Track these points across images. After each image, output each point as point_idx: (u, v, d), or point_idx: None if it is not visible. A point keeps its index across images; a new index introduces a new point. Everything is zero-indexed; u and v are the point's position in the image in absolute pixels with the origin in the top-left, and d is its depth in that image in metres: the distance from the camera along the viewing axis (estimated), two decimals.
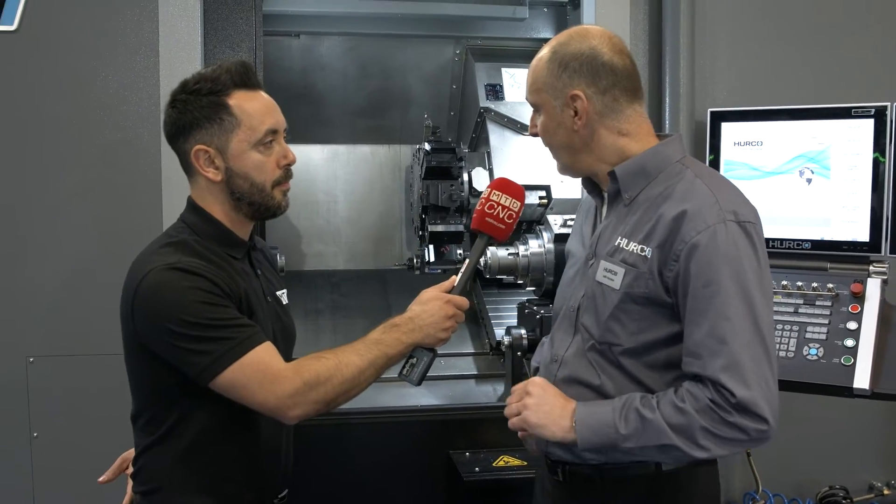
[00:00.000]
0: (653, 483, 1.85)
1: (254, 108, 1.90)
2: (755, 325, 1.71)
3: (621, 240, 1.85)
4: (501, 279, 4.05)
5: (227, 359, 1.75)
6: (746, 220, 1.77)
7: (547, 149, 1.99)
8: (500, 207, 1.99)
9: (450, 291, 1.98)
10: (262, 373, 1.77)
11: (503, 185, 2.02)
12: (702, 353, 1.72)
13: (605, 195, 1.96)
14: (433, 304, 1.94)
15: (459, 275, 2.00)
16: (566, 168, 1.98)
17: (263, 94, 1.95)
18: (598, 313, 1.87)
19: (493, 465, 3.02)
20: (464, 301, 1.98)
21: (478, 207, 2.02)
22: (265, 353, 1.79)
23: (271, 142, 1.92)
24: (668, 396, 1.75)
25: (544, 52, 1.91)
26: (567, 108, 1.86)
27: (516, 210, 2.01)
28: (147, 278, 1.78)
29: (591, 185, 2.02)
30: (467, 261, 2.01)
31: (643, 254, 1.80)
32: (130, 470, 2.05)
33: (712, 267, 1.72)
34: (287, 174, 1.97)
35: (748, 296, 1.72)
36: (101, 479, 2.15)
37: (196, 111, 1.87)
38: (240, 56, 2.96)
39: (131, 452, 2.09)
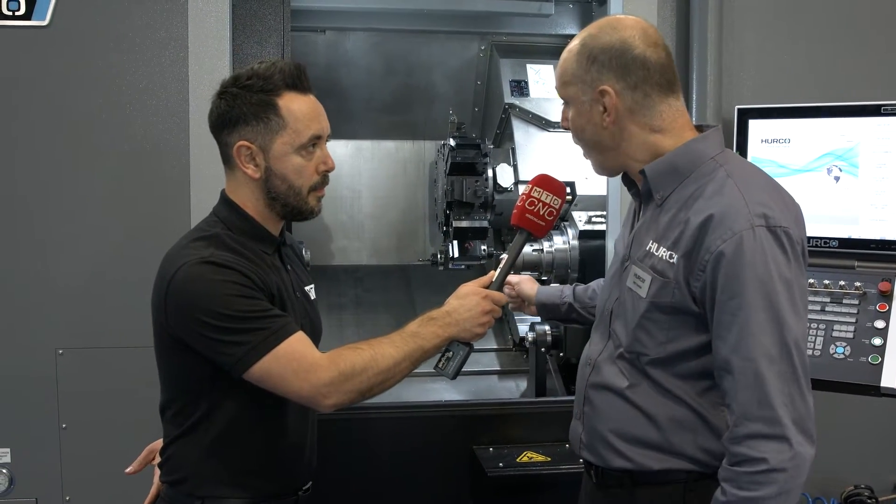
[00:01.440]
0: (684, 489, 1.80)
1: (302, 111, 1.90)
2: (781, 339, 1.62)
3: (652, 244, 1.79)
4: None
5: (261, 349, 1.76)
6: (777, 224, 1.67)
7: (575, 145, 1.94)
8: (540, 204, 1.98)
9: (488, 287, 1.97)
10: (297, 362, 1.78)
11: (545, 182, 2.00)
12: (727, 372, 1.66)
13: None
14: (471, 299, 1.93)
15: (498, 270, 2.00)
16: (598, 166, 1.92)
17: (313, 99, 1.95)
18: (628, 321, 1.83)
19: (517, 460, 3.01)
20: (501, 297, 1.98)
21: (518, 203, 2.00)
22: (299, 343, 1.80)
23: (314, 146, 1.93)
24: (715, 499, 1.68)
25: (574, 43, 1.84)
26: (596, 104, 1.79)
27: (557, 207, 2.00)
28: (180, 271, 1.79)
29: (629, 181, 1.95)
30: (506, 256, 2.01)
31: (671, 261, 1.74)
32: (157, 460, 2.07)
33: (738, 279, 1.63)
34: (324, 180, 1.98)
35: (775, 309, 1.63)
36: (128, 469, 2.16)
37: (245, 107, 1.88)
38: (267, 51, 2.98)
39: (158, 443, 2.12)
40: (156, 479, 2.07)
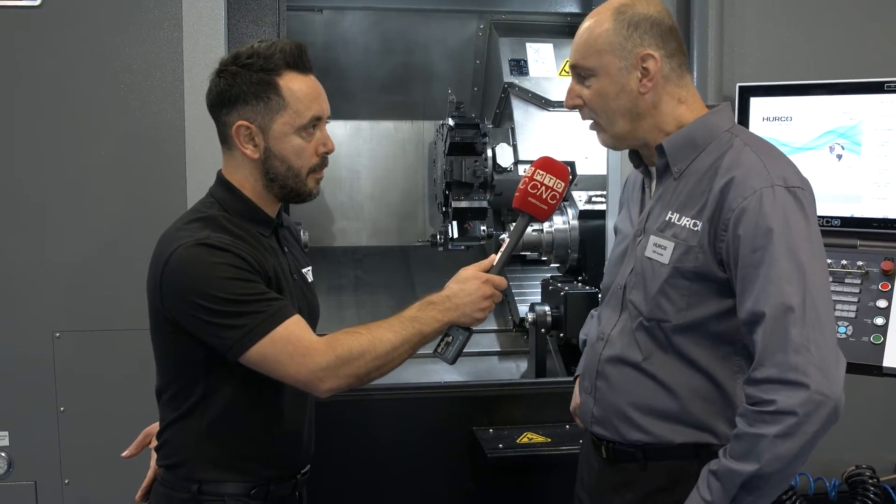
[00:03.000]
0: (696, 462, 1.80)
1: (302, 91, 1.87)
2: (804, 287, 1.63)
3: (672, 214, 1.82)
4: (525, 256, 4.06)
5: (257, 332, 1.74)
6: (796, 185, 1.71)
7: (587, 120, 1.93)
8: (543, 188, 1.94)
9: (488, 271, 1.94)
10: (293, 346, 1.76)
11: (547, 165, 1.97)
12: (751, 324, 1.66)
13: (653, 170, 1.92)
14: (471, 284, 1.90)
15: (499, 254, 1.97)
16: (618, 138, 1.90)
17: (314, 79, 1.92)
18: (647, 289, 1.84)
19: (517, 441, 3.01)
20: (502, 281, 1.94)
21: (521, 186, 1.97)
22: (296, 327, 1.78)
23: (314, 128, 1.90)
24: (732, 434, 1.69)
25: (604, 15, 1.84)
26: (634, 70, 1.81)
27: (560, 191, 1.96)
28: (176, 253, 1.77)
29: (637, 159, 1.97)
30: (507, 240, 1.98)
31: (695, 228, 1.76)
32: (154, 444, 2.06)
33: (759, 232, 1.66)
34: (324, 162, 1.95)
35: (797, 259, 1.64)
36: (124, 453, 2.15)
37: (244, 85, 1.85)
38: (263, 31, 2.95)
39: (154, 427, 2.10)
40: (152, 463, 2.05)
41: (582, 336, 2.34)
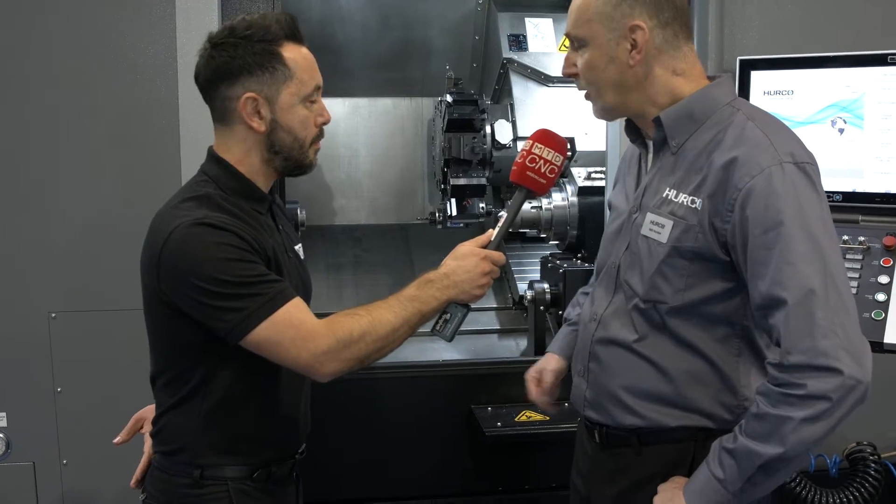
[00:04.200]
0: (695, 448, 1.77)
1: (303, 61, 1.85)
2: (825, 269, 1.57)
3: (669, 191, 1.76)
4: (524, 233, 4.03)
5: (258, 315, 1.71)
6: (805, 161, 1.65)
7: (583, 91, 1.88)
8: (542, 161, 1.90)
9: (485, 246, 1.91)
10: (294, 329, 1.73)
11: (546, 138, 1.92)
12: (770, 308, 1.60)
13: (650, 144, 1.87)
14: (469, 260, 1.87)
15: (496, 229, 1.93)
16: (608, 110, 1.86)
17: (308, 50, 1.90)
18: (643, 269, 1.79)
19: (516, 419, 3.01)
20: (500, 257, 1.91)
21: (518, 160, 1.93)
22: (297, 310, 1.75)
23: (314, 98, 1.89)
24: (748, 412, 1.64)
25: None
26: (623, 41, 1.75)
27: (559, 164, 1.92)
28: (174, 234, 1.72)
29: (634, 132, 1.92)
30: (504, 215, 1.94)
31: (693, 206, 1.71)
32: (146, 429, 2.03)
33: (770, 211, 1.59)
34: (321, 133, 1.93)
35: (813, 237, 1.58)
36: (116, 440, 2.12)
37: (248, 57, 1.80)
38: (257, 6, 2.91)
39: (145, 411, 2.09)
40: (146, 448, 2.02)
41: (565, 314, 2.31)
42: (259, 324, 1.71)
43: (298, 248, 2.07)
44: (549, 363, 2.18)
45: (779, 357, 1.58)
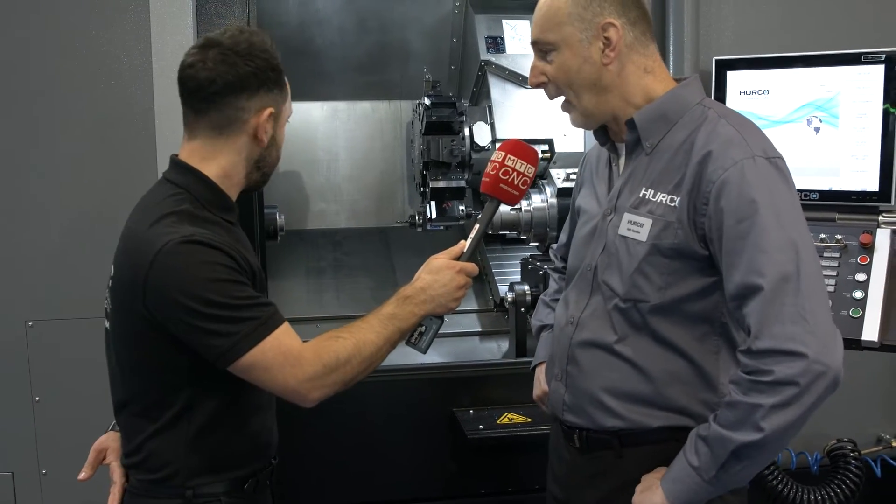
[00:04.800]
0: (673, 449, 1.76)
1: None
2: (796, 256, 1.59)
3: (646, 191, 1.78)
4: (504, 235, 4.03)
5: (250, 340, 1.69)
6: (775, 156, 1.69)
7: (558, 99, 1.88)
8: (514, 173, 1.91)
9: (459, 258, 1.93)
10: (283, 355, 1.72)
11: (517, 149, 1.93)
12: (741, 297, 1.61)
13: (622, 146, 1.88)
14: (445, 274, 1.89)
15: (469, 241, 1.94)
16: (586, 115, 1.86)
17: None
18: (623, 269, 1.79)
19: (498, 422, 3.01)
20: (474, 268, 1.93)
21: (490, 171, 1.93)
22: (286, 336, 1.74)
23: None
24: (722, 401, 1.66)
25: None
26: (596, 41, 1.77)
27: (530, 175, 1.93)
28: (162, 252, 1.68)
29: (603, 136, 1.93)
30: (476, 226, 1.94)
31: (672, 204, 1.72)
32: (110, 459, 1.97)
33: (743, 201, 1.62)
34: None
35: (785, 226, 1.61)
36: (80, 476, 2.01)
37: (268, 72, 1.83)
38: (232, 11, 2.89)
39: (104, 440, 2.02)
40: (117, 479, 1.94)
41: (535, 322, 2.30)
42: (250, 349, 1.70)
43: None
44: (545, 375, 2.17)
45: (748, 343, 1.60)
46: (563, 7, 1.78)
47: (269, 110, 1.83)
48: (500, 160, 1.92)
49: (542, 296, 2.35)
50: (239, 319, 1.69)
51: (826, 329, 1.58)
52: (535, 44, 1.86)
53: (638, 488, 1.76)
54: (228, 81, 1.79)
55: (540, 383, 2.19)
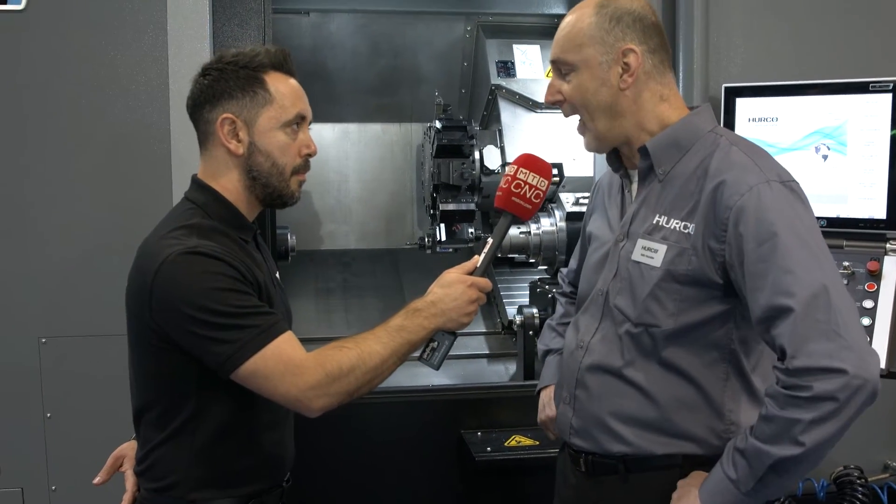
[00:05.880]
0: (678, 474, 1.77)
1: (287, 89, 1.88)
2: (822, 273, 1.58)
3: (660, 217, 1.78)
4: (513, 258, 4.06)
5: (250, 348, 1.70)
6: (790, 180, 1.69)
7: (568, 122, 1.90)
8: (527, 186, 1.89)
9: (472, 273, 1.90)
10: (284, 364, 1.72)
11: (530, 163, 1.92)
12: (771, 318, 1.60)
13: (634, 172, 1.88)
14: (456, 288, 1.86)
15: (482, 256, 1.92)
16: (599, 138, 1.86)
17: (297, 82, 1.92)
18: (636, 294, 1.79)
19: (505, 444, 3.01)
20: (487, 283, 1.90)
21: (503, 185, 1.92)
22: (287, 344, 1.74)
23: (298, 126, 1.90)
24: (760, 414, 1.63)
25: (586, 9, 1.82)
26: (615, 65, 1.78)
27: (543, 189, 1.91)
28: (166, 262, 1.71)
29: (616, 162, 1.94)
30: (490, 241, 1.93)
31: (686, 230, 1.73)
32: (126, 467, 1.99)
33: (763, 224, 1.62)
34: (307, 164, 1.94)
35: (809, 247, 1.61)
36: (95, 480, 2.05)
37: (231, 81, 1.84)
38: (248, 34, 2.94)
39: (124, 448, 2.05)
40: (129, 486, 1.96)
41: (541, 346, 2.30)
42: (250, 357, 1.70)
43: (277, 275, 2.08)
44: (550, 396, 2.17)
45: (784, 363, 1.58)
46: (586, 30, 1.80)
47: (223, 116, 1.84)
48: (512, 173, 1.91)
49: (548, 320, 2.35)
50: (239, 327, 1.70)
51: (861, 342, 1.57)
52: (554, 62, 1.87)
53: (675, 495, 1.75)
54: (194, 97, 1.88)
55: (544, 407, 2.19)
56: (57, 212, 2.85)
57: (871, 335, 2.47)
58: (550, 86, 1.89)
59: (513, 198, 1.91)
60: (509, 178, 1.92)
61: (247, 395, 1.78)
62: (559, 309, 2.34)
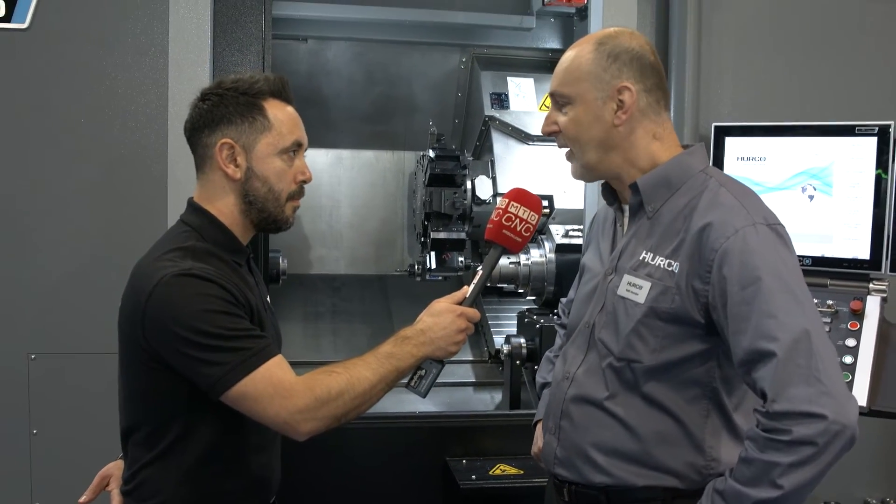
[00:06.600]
0: None
1: (286, 117, 1.91)
2: (804, 319, 1.60)
3: (646, 254, 1.80)
4: (502, 288, 4.08)
5: (241, 371, 1.71)
6: (776, 223, 1.72)
7: (560, 154, 1.93)
8: (517, 220, 1.93)
9: (461, 303, 1.93)
10: (274, 387, 1.73)
11: (521, 197, 1.95)
12: (752, 362, 1.62)
13: (626, 207, 1.91)
14: (445, 317, 1.88)
15: (472, 286, 1.95)
16: (588, 169, 1.89)
17: (294, 110, 1.95)
18: (619, 328, 1.81)
19: (490, 473, 3.01)
20: (476, 313, 1.93)
21: (494, 218, 1.95)
22: (277, 367, 1.75)
23: (294, 154, 1.92)
24: (739, 456, 1.65)
25: (586, 45, 1.85)
26: (610, 102, 1.81)
27: (534, 223, 1.95)
28: (160, 284, 1.72)
29: (610, 194, 1.96)
30: (479, 272, 1.95)
31: (670, 269, 1.75)
32: (112, 486, 2.00)
33: (748, 267, 1.64)
34: (301, 191, 1.96)
35: (793, 292, 1.62)
36: (81, 499, 2.04)
37: (231, 106, 1.86)
38: (248, 60, 2.98)
39: (110, 468, 2.05)
40: None
41: (539, 379, 2.31)
42: (241, 379, 1.71)
43: (268, 299, 2.09)
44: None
45: (765, 406, 1.60)
46: (584, 65, 1.84)
47: (222, 141, 1.86)
48: (503, 207, 1.95)
49: (547, 352, 2.36)
50: (230, 349, 1.72)
51: (840, 388, 1.59)
52: (552, 95, 1.91)
53: None
54: (193, 121, 1.90)
55: (537, 440, 2.20)
56: (51, 228, 2.87)
57: (853, 373, 2.50)
58: (547, 117, 1.92)
59: (503, 230, 1.94)
60: (501, 210, 1.95)
61: (235, 417, 1.79)
62: (557, 341, 2.35)
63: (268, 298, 2.09)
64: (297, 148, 1.93)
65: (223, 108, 1.87)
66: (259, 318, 1.87)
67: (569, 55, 1.88)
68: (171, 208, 2.81)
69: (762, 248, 1.66)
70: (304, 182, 1.96)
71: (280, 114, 1.90)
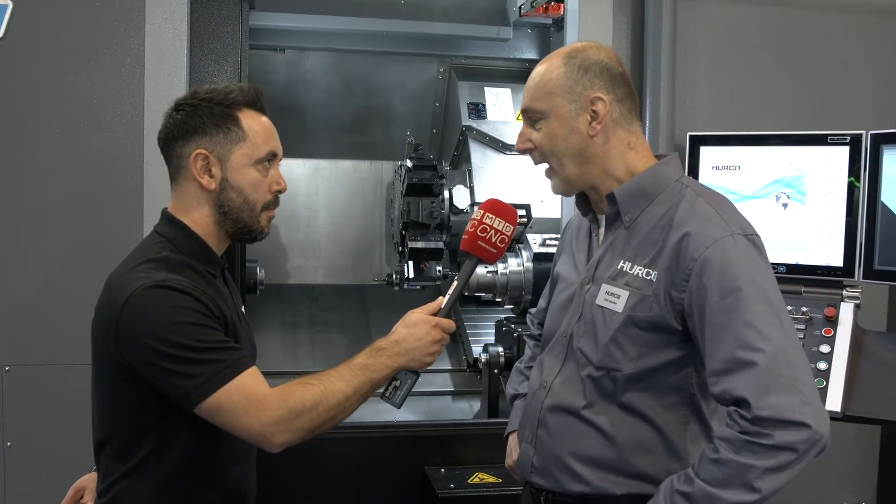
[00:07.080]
0: None
1: (260, 127, 1.90)
2: (782, 329, 1.63)
3: (624, 263, 1.81)
4: (480, 297, 4.09)
5: (214, 383, 1.70)
6: (753, 233, 1.74)
7: (537, 164, 1.94)
8: (492, 231, 1.94)
9: (436, 313, 1.93)
10: (247, 399, 1.72)
11: (496, 208, 1.96)
12: (730, 371, 1.63)
13: (601, 217, 1.92)
14: (420, 328, 1.89)
15: (447, 297, 1.95)
16: (567, 182, 1.90)
17: (268, 119, 1.95)
18: (598, 338, 1.82)
19: (469, 481, 3.02)
20: (451, 324, 1.93)
21: (469, 229, 1.96)
22: (251, 379, 1.75)
23: (269, 164, 1.92)
24: (704, 456, 1.65)
25: (555, 60, 1.87)
26: (584, 113, 1.82)
27: (509, 234, 1.96)
28: (133, 295, 1.71)
29: (585, 205, 1.97)
30: (454, 283, 1.96)
31: (648, 277, 1.76)
32: (86, 499, 2.00)
33: (726, 278, 1.65)
34: (276, 201, 1.96)
35: (770, 302, 1.65)
36: None
37: (205, 117, 1.86)
38: (225, 70, 2.97)
39: (84, 480, 2.05)
40: None
41: (510, 390, 2.31)
42: (215, 391, 1.70)
43: (242, 309, 2.08)
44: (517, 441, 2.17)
45: (749, 411, 1.60)
46: (556, 79, 1.85)
47: (196, 152, 1.85)
48: (478, 218, 1.96)
49: (517, 363, 2.36)
50: (204, 361, 1.71)
51: (818, 399, 1.62)
52: (525, 111, 1.91)
53: None
54: (167, 131, 1.90)
55: (511, 452, 2.20)
56: (26, 239, 2.85)
57: (827, 379, 2.52)
58: (521, 134, 1.92)
59: (478, 241, 1.95)
60: (476, 222, 1.96)
61: (209, 430, 1.78)
62: (527, 352, 2.35)
63: (242, 309, 2.08)
64: (271, 158, 1.92)
65: (197, 119, 1.86)
66: (234, 330, 1.86)
67: (539, 70, 1.90)
68: (148, 218, 2.80)
69: (741, 259, 1.68)
70: (280, 192, 1.96)
71: (255, 124, 1.90)
